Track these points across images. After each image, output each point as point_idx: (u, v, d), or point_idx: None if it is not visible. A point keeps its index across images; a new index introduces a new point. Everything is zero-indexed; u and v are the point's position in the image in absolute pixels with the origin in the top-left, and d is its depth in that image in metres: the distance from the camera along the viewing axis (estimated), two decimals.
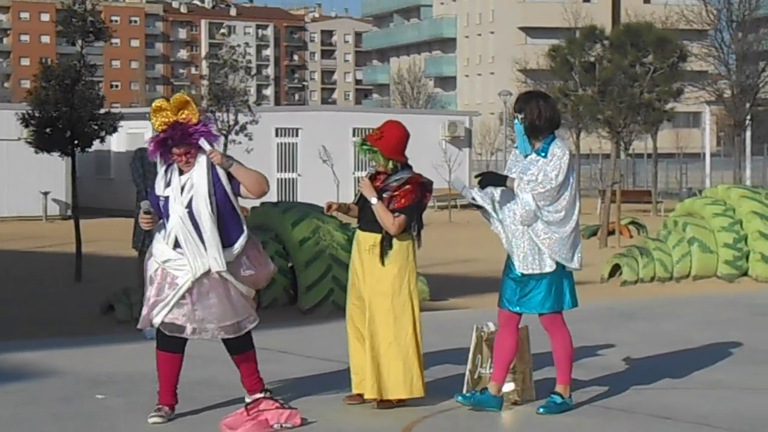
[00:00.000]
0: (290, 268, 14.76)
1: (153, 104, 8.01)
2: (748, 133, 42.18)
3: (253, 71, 36.37)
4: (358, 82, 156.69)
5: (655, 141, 43.93)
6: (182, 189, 7.95)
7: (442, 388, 8.87)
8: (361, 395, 8.45)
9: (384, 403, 8.38)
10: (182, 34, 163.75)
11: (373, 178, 8.50)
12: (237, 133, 33.72)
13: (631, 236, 25.97)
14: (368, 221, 8.45)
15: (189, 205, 7.92)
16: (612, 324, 12.73)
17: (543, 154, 8.10)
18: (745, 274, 17.47)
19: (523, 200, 8.04)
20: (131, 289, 13.55)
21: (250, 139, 33.40)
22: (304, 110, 55.26)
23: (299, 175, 40.10)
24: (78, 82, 17.89)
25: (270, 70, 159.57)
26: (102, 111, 18.28)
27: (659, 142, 45.19)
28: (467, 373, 8.60)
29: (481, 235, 25.46)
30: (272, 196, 36.41)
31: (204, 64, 40.10)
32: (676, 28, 39.80)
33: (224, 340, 8.17)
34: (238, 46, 36.31)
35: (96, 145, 18.75)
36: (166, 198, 7.98)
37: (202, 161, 7.96)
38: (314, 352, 10.86)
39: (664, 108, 28.65)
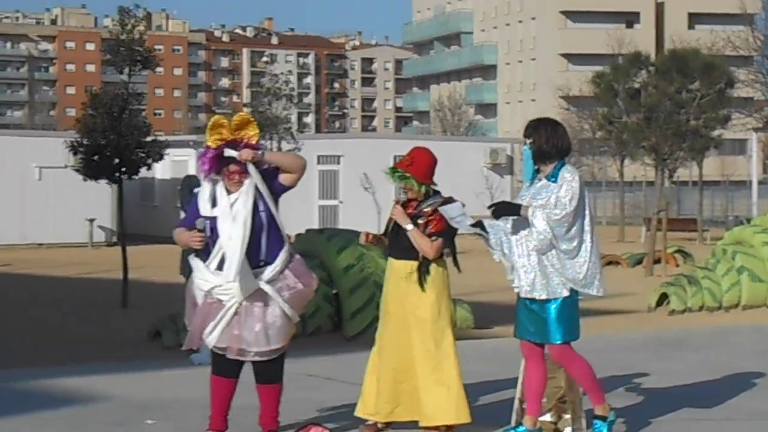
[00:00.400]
0: (335, 295, 14.74)
1: (212, 120, 7.85)
2: None
3: (295, 99, 36.51)
4: (398, 109, 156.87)
5: (701, 168, 43.69)
6: (231, 208, 7.78)
7: (489, 418, 8.79)
8: (375, 424, 8.46)
9: (430, 430, 8.35)
10: (224, 62, 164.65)
11: (404, 205, 8.50)
12: None
13: (677, 265, 25.77)
14: (402, 249, 8.44)
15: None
16: (662, 353, 12.60)
17: (553, 179, 8.00)
18: None
19: (537, 228, 7.88)
20: (178, 315, 13.54)
21: None
22: (345, 137, 55.42)
23: (341, 202, 40.14)
24: (125, 111, 18.01)
25: (311, 98, 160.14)
26: (149, 139, 18.38)
27: (705, 170, 44.94)
28: (516, 402, 8.51)
29: None
30: (314, 223, 36.51)
31: (246, 92, 40.27)
32: (722, 54, 39.61)
33: (257, 366, 8.03)
34: (281, 74, 36.49)
35: (141, 172, 18.85)
36: (214, 218, 7.78)
37: (248, 182, 7.80)
38: (359, 379, 10.75)
39: (710, 135, 28.53)
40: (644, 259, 25.00)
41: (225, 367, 7.98)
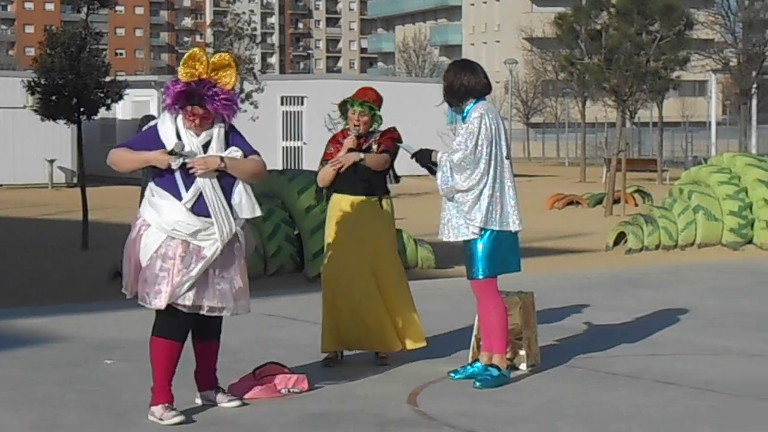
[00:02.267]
0: (296, 235, 14.80)
1: (190, 51, 7.23)
2: (754, 102, 42.11)
3: (258, 39, 36.33)
4: (363, 50, 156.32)
5: (661, 110, 43.88)
6: (205, 150, 7.20)
7: (450, 354, 8.94)
8: (335, 353, 8.76)
9: (385, 359, 8.64)
10: (187, 1, 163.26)
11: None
12: (242, 102, 33.71)
13: (636, 204, 26.00)
14: (363, 185, 8.65)
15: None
16: (618, 291, 12.76)
17: (465, 119, 8.11)
18: (750, 241, 17.50)
19: (441, 172, 8.01)
20: None
21: (256, 107, 33.41)
22: (309, 78, 55.24)
23: (305, 143, 40.09)
24: (83, 50, 17.90)
25: (275, 39, 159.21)
26: (108, 79, 18.29)
27: (665, 111, 45.12)
28: (473, 339, 8.65)
29: None
30: (277, 165, 36.48)
31: (209, 31, 40.00)
32: None
33: (212, 322, 7.37)
34: (243, 13, 36.24)
35: (101, 112, 18.77)
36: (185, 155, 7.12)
37: (218, 130, 7.26)
38: (320, 318, 10.89)
39: (670, 76, 28.64)
40: (604, 199, 25.20)
41: (182, 328, 7.20)
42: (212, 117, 7.23)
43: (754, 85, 40.19)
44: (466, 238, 8.04)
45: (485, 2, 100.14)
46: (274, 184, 15.18)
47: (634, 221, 17.88)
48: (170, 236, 7.07)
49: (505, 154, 8.11)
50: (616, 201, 25.02)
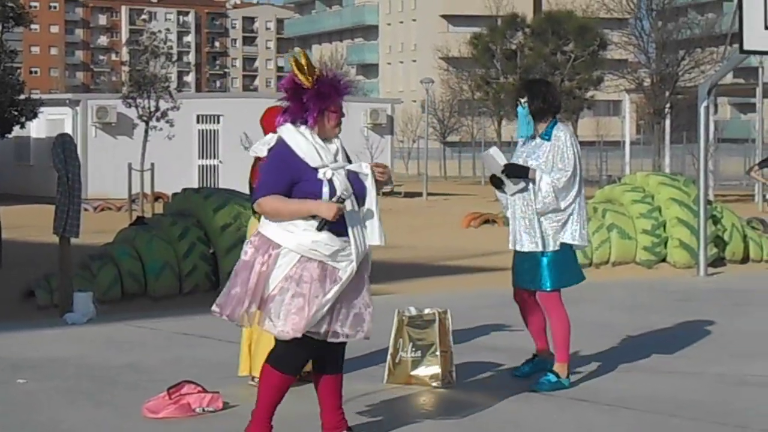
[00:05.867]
0: (212, 254, 14.74)
1: (297, 59, 6.56)
2: (668, 122, 42.66)
3: (174, 57, 36.20)
4: (279, 69, 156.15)
5: (576, 129, 44.31)
6: (336, 159, 6.60)
7: (364, 371, 8.95)
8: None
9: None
10: (102, 20, 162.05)
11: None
12: (158, 120, 33.55)
13: None
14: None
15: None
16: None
17: (546, 137, 8.47)
18: (664, 260, 17.72)
19: (543, 191, 8.42)
20: (52, 274, 13.46)
21: (171, 125, 33.28)
22: (225, 97, 55.09)
23: (221, 161, 39.96)
24: None
25: (191, 57, 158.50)
26: (22, 97, 18.14)
27: (580, 130, 45.60)
28: (388, 357, 8.67)
29: (403, 222, 25.56)
30: (193, 183, 36.33)
31: (125, 50, 39.78)
32: (596, 16, 40.19)
33: (335, 352, 6.74)
34: (159, 32, 36.11)
35: (15, 131, 18.61)
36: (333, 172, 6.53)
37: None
38: (236, 337, 10.82)
39: (584, 96, 29.04)
40: None
41: (303, 361, 6.63)
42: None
43: (668, 105, 40.75)
44: (554, 248, 8.52)
45: (401, 22, 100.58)
46: (189, 202, 15.12)
47: None
48: (305, 257, 6.44)
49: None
50: None
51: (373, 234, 6.59)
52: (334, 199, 6.41)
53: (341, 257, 6.46)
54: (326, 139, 6.57)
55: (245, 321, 6.59)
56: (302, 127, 6.52)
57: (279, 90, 6.66)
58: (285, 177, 6.46)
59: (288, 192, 6.46)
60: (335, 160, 6.56)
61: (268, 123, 8.75)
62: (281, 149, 6.53)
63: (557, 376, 8.52)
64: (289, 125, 6.55)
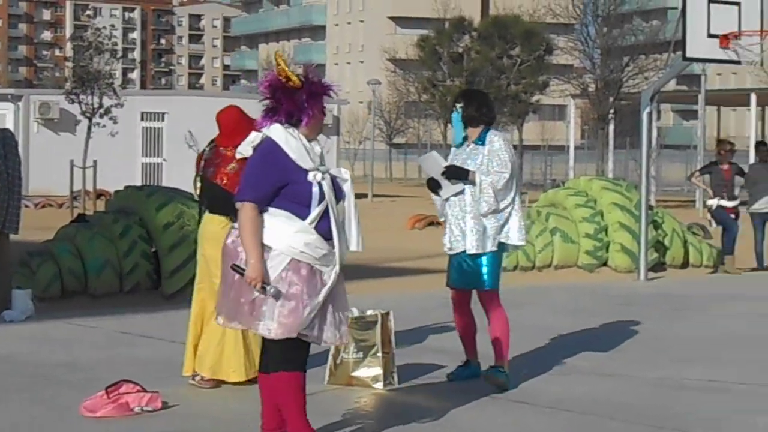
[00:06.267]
0: (153, 252, 14.64)
1: (280, 62, 6.54)
2: (612, 127, 42.94)
3: (119, 54, 35.98)
4: (226, 67, 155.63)
5: (521, 133, 44.49)
6: (322, 159, 6.56)
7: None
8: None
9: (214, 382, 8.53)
10: (46, 15, 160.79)
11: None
12: (101, 116, 33.32)
13: None
14: (216, 204, 8.55)
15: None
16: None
17: (481, 143, 8.74)
18: (605, 264, 17.82)
19: (485, 193, 8.61)
20: None
21: (115, 122, 33.04)
22: (170, 94, 54.79)
23: (164, 159, 39.74)
24: None
25: (136, 54, 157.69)
26: None
27: (525, 134, 45.80)
28: (330, 357, 8.66)
29: None
30: (136, 181, 36.08)
31: (69, 45, 39.50)
32: (543, 21, 40.40)
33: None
34: (104, 28, 35.87)
35: None
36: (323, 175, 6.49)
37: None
38: (177, 336, 10.77)
39: (530, 100, 29.15)
40: None
41: (306, 356, 6.58)
42: None
43: (612, 111, 41.00)
44: (492, 249, 8.69)
45: (349, 23, 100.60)
46: (131, 200, 15.00)
47: None
48: (295, 260, 6.39)
49: None
50: None
51: (351, 239, 6.60)
52: (268, 289, 6.32)
53: (327, 261, 6.45)
54: (310, 140, 6.55)
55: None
56: (290, 128, 6.48)
57: (265, 90, 6.57)
58: (272, 177, 6.41)
59: (274, 193, 6.41)
60: (321, 162, 6.54)
61: (228, 122, 8.66)
62: (270, 148, 6.46)
63: (503, 369, 8.72)
64: (277, 126, 6.48)
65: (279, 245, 6.38)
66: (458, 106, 8.85)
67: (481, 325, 9.12)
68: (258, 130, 6.70)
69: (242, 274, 6.35)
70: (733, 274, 17.48)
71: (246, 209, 6.39)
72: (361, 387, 8.56)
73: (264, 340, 6.55)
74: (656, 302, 13.97)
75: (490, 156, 8.67)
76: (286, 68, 6.42)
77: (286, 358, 6.46)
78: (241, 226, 6.39)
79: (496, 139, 8.72)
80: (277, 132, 6.48)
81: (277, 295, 6.33)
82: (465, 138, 8.85)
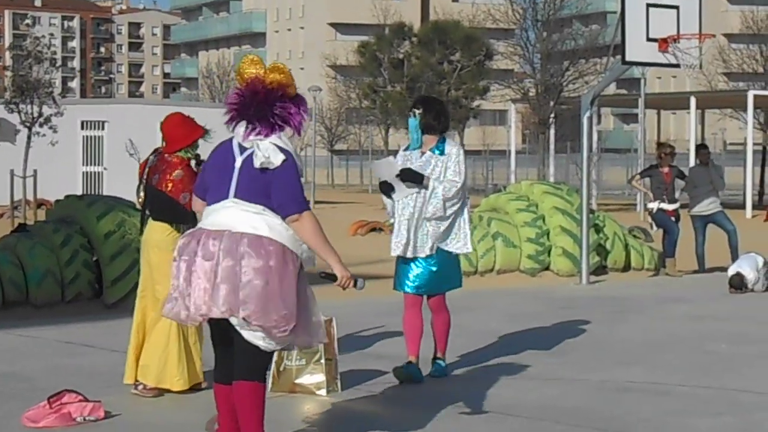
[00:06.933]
0: (95, 261, 14.54)
1: (246, 57, 6.77)
2: (552, 131, 43.19)
3: (58, 63, 35.74)
4: (166, 75, 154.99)
5: (462, 138, 44.63)
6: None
7: None
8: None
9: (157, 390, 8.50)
10: None
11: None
12: (41, 126, 33.06)
13: None
14: (160, 211, 8.53)
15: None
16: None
17: (438, 152, 8.94)
18: (547, 268, 17.89)
19: (437, 197, 8.88)
20: None
21: (55, 131, 32.79)
22: (110, 102, 54.48)
23: (105, 168, 39.48)
24: None
25: (76, 62, 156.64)
26: None
27: (466, 139, 45.96)
28: (273, 365, 8.63)
29: None
30: (77, 190, 35.82)
31: (7, 54, 39.16)
32: (483, 26, 40.56)
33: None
34: (43, 37, 35.63)
35: None
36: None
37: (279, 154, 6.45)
38: (119, 345, 10.69)
39: (470, 105, 29.26)
40: None
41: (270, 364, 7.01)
42: (269, 133, 6.62)
43: (552, 115, 41.26)
44: (444, 253, 9.00)
45: (289, 29, 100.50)
46: (72, 209, 14.89)
47: None
48: (295, 253, 6.46)
49: None
50: None
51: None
52: (359, 282, 6.65)
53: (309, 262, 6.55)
54: None
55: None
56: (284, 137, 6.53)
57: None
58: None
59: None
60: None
61: (170, 127, 8.63)
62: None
63: (444, 361, 9.27)
64: (281, 134, 6.50)
65: (301, 250, 6.45)
66: (417, 112, 9.02)
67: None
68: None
69: (334, 279, 6.55)
70: (675, 277, 17.61)
71: (311, 216, 6.43)
72: (304, 394, 8.55)
73: (235, 349, 6.40)
74: (598, 305, 14.04)
75: (447, 165, 8.92)
76: (256, 67, 6.67)
77: (258, 368, 6.42)
78: (314, 232, 6.40)
79: (454, 150, 8.96)
80: (286, 142, 6.56)
81: (363, 287, 6.65)
82: (420, 144, 9.04)
